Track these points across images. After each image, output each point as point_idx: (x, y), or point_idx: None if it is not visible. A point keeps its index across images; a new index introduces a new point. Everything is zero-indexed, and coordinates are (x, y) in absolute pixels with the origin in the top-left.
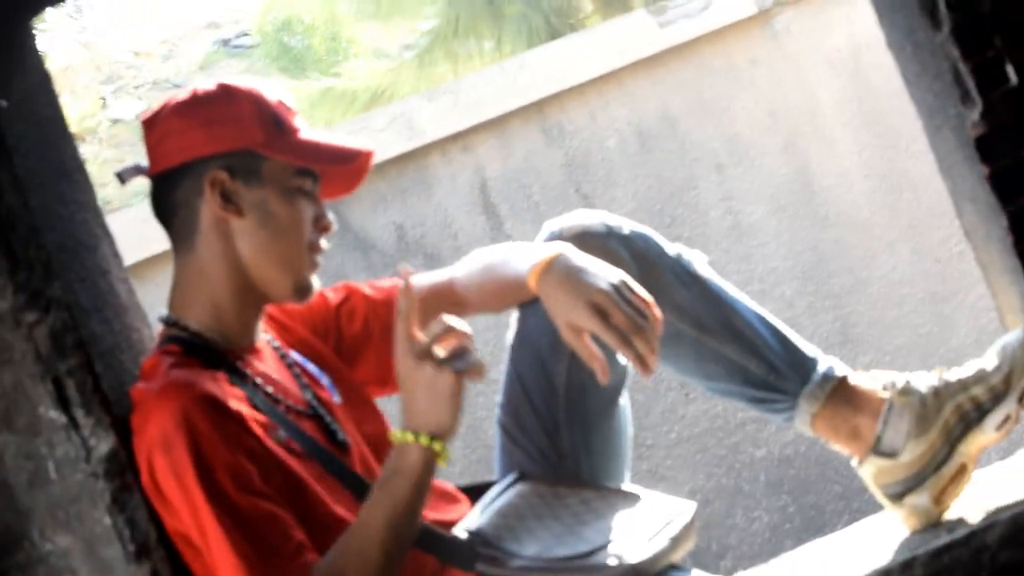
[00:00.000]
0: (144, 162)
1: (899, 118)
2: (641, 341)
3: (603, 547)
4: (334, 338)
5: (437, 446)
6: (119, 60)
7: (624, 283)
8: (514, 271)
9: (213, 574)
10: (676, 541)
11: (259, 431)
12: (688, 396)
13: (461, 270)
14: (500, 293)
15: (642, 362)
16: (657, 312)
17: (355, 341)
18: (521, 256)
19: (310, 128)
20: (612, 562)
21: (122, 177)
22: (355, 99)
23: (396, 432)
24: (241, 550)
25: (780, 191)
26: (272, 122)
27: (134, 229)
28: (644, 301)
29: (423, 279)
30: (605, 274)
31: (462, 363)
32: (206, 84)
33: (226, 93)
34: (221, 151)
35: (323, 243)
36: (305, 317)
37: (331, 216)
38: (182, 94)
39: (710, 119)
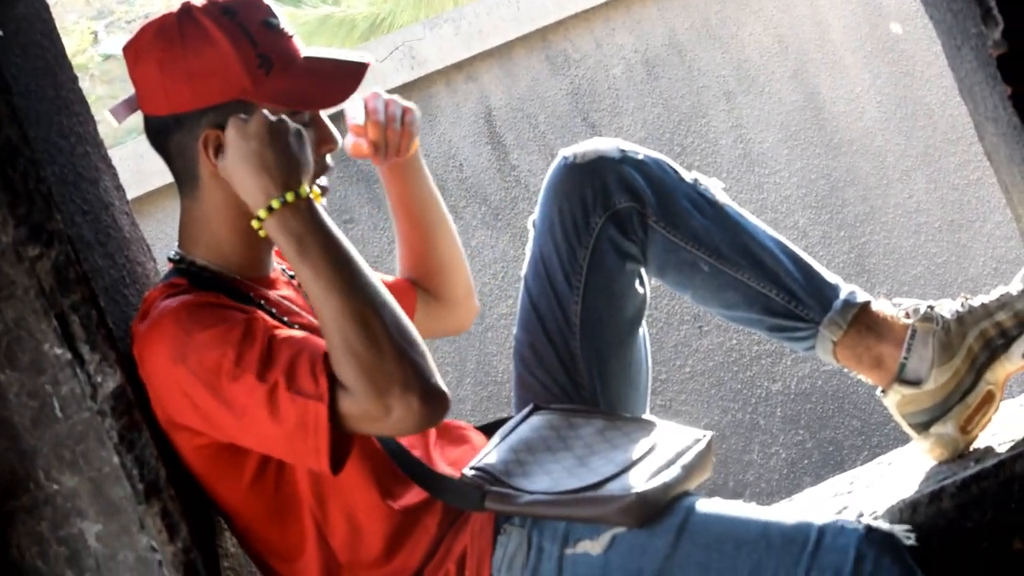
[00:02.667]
0: (132, 93)
1: (913, 43)
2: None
3: (613, 477)
4: None
5: (302, 191)
6: None
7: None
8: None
9: (254, 479)
10: (690, 470)
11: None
12: (702, 329)
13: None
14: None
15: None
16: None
17: None
18: None
19: (300, 44)
20: (620, 492)
21: (116, 116)
22: (354, 27)
23: (256, 218)
24: (288, 384)
25: (790, 118)
26: (257, 63)
27: (131, 164)
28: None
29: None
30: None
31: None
32: (180, 16)
33: (202, 33)
34: (209, 105)
35: (329, 161)
36: None
37: (334, 132)
38: (155, 31)
39: (718, 46)
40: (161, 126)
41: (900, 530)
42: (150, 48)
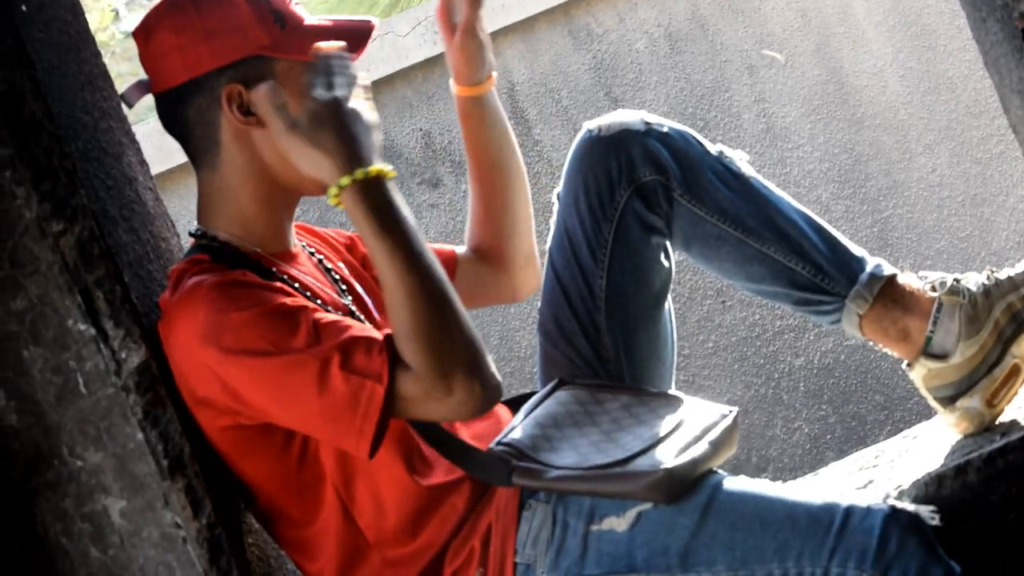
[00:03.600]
0: (144, 76)
1: (935, 17)
2: None
3: (640, 453)
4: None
5: (385, 168)
6: None
7: None
8: None
9: (279, 456)
10: (717, 446)
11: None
12: (725, 304)
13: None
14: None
15: None
16: None
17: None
18: None
19: (306, 12)
20: (648, 468)
21: (127, 99)
22: (376, 3)
23: (331, 192)
24: (341, 361)
25: (813, 92)
26: (273, 19)
27: (154, 140)
28: None
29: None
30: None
31: (342, 83)
32: None
33: None
34: (228, 63)
35: None
36: (351, 248)
37: None
38: (169, 2)
39: (741, 19)
40: (178, 96)
41: (925, 511)
42: (163, 18)
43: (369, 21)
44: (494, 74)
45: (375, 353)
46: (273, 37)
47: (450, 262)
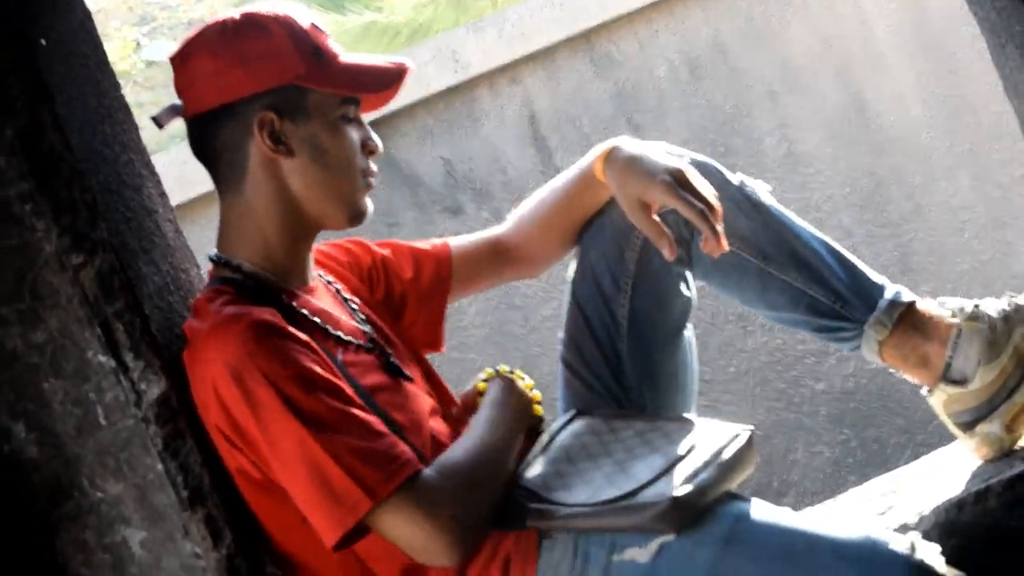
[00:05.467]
0: (177, 101)
1: (957, 41)
2: (713, 217)
3: (650, 483)
4: (383, 288)
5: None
6: (152, 1)
7: (685, 166)
8: (573, 174)
9: (287, 504)
10: (727, 469)
11: (321, 353)
12: (746, 329)
13: (506, 223)
14: (561, 208)
15: (715, 234)
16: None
17: (403, 293)
18: (573, 168)
19: (343, 50)
20: (655, 499)
21: (159, 121)
22: (397, 34)
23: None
24: (344, 461)
25: (835, 117)
26: (311, 52)
27: (174, 171)
28: (705, 184)
29: (462, 239)
30: (667, 157)
31: None
32: (230, 14)
33: (259, 25)
34: (263, 90)
35: (372, 166)
36: (354, 266)
37: (375, 137)
38: (209, 29)
39: (762, 46)
40: (210, 120)
41: (953, 574)
42: (202, 43)
43: (404, 64)
44: None
45: (380, 469)
46: (310, 68)
47: (444, 259)
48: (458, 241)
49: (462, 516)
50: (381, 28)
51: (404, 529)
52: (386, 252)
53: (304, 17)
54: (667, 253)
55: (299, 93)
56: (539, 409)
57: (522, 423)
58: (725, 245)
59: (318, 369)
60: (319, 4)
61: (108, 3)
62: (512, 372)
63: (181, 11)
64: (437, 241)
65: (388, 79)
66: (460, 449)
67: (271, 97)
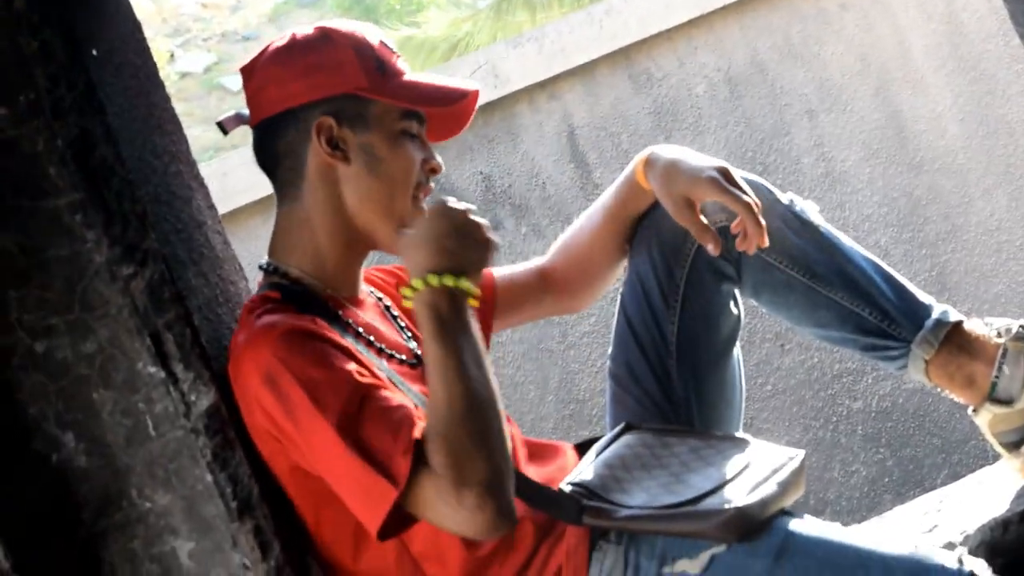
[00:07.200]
0: (244, 111)
1: (994, 62)
2: (756, 211)
3: (710, 493)
4: None
5: (464, 283)
6: (186, 12)
7: (728, 164)
8: (613, 189)
9: (334, 499)
10: (785, 487)
11: (361, 357)
12: (783, 347)
13: (549, 252)
14: (601, 223)
15: (758, 228)
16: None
17: None
18: (610, 187)
19: (412, 70)
20: (718, 506)
21: (223, 127)
22: (435, 49)
23: (409, 286)
24: (371, 456)
25: (872, 137)
26: (375, 65)
27: (215, 182)
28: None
29: (507, 268)
30: (706, 157)
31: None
32: (305, 29)
33: (326, 37)
34: (325, 97)
35: (430, 183)
36: (400, 286)
37: (439, 158)
38: (281, 40)
39: (800, 64)
40: (272, 126)
41: None
42: (271, 53)
43: (470, 87)
44: None
45: (406, 455)
46: (372, 80)
47: (488, 286)
48: (502, 271)
49: (477, 479)
50: (418, 43)
51: (434, 510)
52: None
53: (374, 35)
54: (712, 248)
55: (360, 103)
56: (462, 283)
57: (458, 323)
58: (766, 241)
59: (351, 367)
60: (353, 19)
61: (142, 14)
62: (412, 282)
63: (215, 23)
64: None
65: (450, 97)
66: (430, 414)
67: (332, 104)
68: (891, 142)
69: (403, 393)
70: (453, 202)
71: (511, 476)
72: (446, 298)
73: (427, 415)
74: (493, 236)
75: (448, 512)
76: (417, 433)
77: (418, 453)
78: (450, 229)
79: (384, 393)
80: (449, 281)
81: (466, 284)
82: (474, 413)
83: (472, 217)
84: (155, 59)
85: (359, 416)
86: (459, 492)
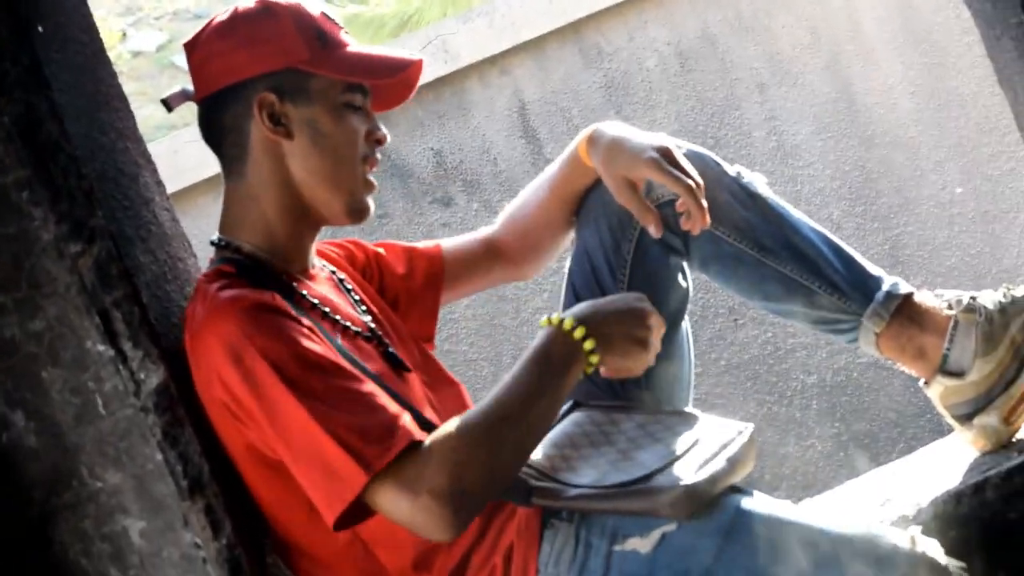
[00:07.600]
0: (190, 87)
1: (945, 35)
2: (698, 193)
3: (660, 470)
4: (376, 285)
5: (593, 358)
6: None
7: (671, 143)
8: (558, 163)
9: (288, 479)
10: (734, 462)
11: (319, 334)
12: (737, 322)
13: (496, 223)
14: (547, 197)
15: (700, 209)
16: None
17: (396, 290)
18: (557, 159)
19: (355, 42)
20: (668, 484)
21: (168, 104)
22: (383, 25)
23: (560, 317)
24: (341, 436)
25: (824, 110)
26: (316, 37)
27: (166, 160)
28: (688, 163)
29: (454, 240)
30: (652, 135)
31: None
32: (247, 2)
33: (266, 10)
34: (266, 71)
35: (376, 155)
36: (350, 261)
37: (384, 129)
38: (224, 14)
39: (751, 38)
40: (216, 102)
41: (954, 565)
42: (214, 27)
43: (413, 58)
44: None
45: (377, 443)
46: (313, 53)
47: (436, 258)
48: (450, 242)
49: (456, 486)
50: (366, 20)
51: (397, 503)
52: (380, 250)
53: (315, 7)
54: (653, 231)
55: (301, 76)
56: (592, 357)
57: (561, 375)
58: (708, 220)
59: (316, 348)
60: None
61: None
62: (565, 319)
63: (167, 1)
64: (430, 243)
65: (392, 69)
66: (472, 411)
67: (273, 79)
68: (842, 115)
69: (360, 373)
70: (653, 311)
71: (488, 498)
72: (571, 350)
73: (469, 418)
74: (651, 352)
75: (411, 512)
76: (413, 428)
77: (409, 445)
78: (632, 320)
79: (353, 372)
80: (588, 345)
81: (594, 359)
82: (514, 447)
83: (651, 326)
84: (103, 36)
85: (335, 399)
86: (441, 500)
